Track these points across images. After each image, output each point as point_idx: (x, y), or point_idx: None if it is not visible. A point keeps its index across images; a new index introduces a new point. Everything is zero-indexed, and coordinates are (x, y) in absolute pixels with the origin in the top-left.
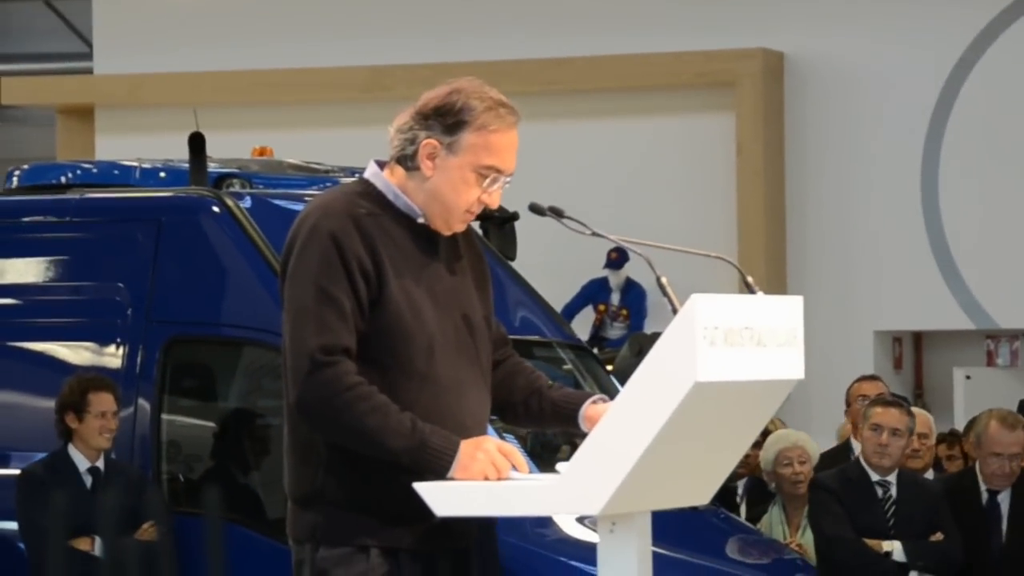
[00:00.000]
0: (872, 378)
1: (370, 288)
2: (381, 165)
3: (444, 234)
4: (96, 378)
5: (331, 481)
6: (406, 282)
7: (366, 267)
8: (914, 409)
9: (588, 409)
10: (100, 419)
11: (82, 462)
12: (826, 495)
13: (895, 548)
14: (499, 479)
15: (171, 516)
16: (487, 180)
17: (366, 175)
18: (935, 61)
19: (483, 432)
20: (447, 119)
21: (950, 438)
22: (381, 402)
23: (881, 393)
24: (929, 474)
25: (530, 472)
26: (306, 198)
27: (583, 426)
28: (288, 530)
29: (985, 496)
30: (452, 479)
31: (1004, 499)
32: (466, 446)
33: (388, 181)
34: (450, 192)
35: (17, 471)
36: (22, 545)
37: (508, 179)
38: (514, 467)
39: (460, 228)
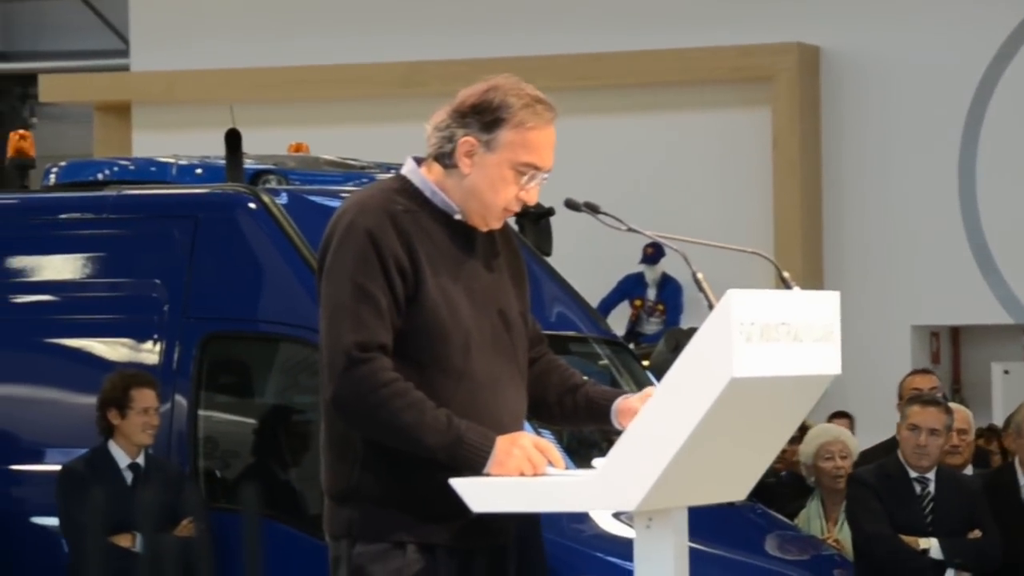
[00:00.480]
0: (925, 372)
1: (407, 285)
2: (418, 162)
3: (481, 231)
4: (138, 374)
5: (368, 477)
6: (443, 279)
7: (403, 264)
8: (952, 405)
9: (620, 403)
10: (143, 415)
11: (122, 458)
12: (864, 490)
13: (932, 545)
14: (535, 475)
15: (208, 512)
16: (525, 177)
17: (403, 171)
18: (972, 55)
19: (520, 428)
20: (485, 117)
21: (988, 433)
22: (417, 398)
23: (935, 389)
24: (968, 470)
25: (566, 468)
26: (342, 194)
27: (616, 422)
28: (325, 526)
29: None
30: (488, 475)
31: None
32: (502, 442)
33: (425, 178)
34: (488, 190)
35: (55, 467)
36: (63, 540)
37: (546, 176)
38: (550, 463)
39: (497, 225)
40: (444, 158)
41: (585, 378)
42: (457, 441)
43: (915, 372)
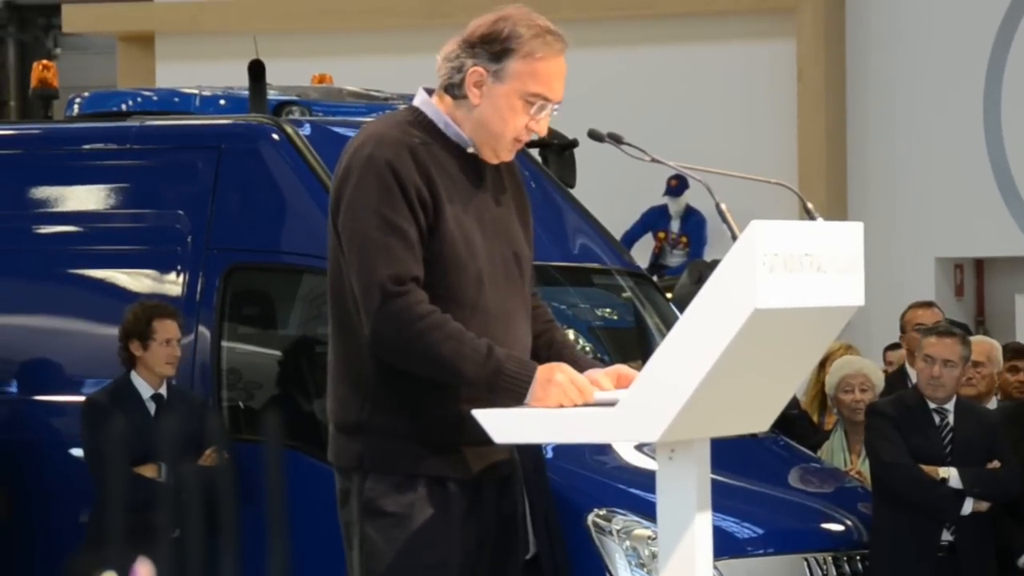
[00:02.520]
0: (927, 304)
1: (427, 217)
2: (430, 92)
3: (492, 163)
4: (160, 305)
5: (379, 410)
6: (458, 211)
7: (423, 195)
8: (977, 337)
9: (586, 374)
10: (165, 347)
11: (145, 389)
12: (883, 421)
13: (951, 475)
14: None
15: (230, 442)
16: (534, 108)
17: (415, 103)
18: None
19: (528, 358)
20: (494, 47)
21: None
22: (455, 329)
23: (938, 321)
24: (992, 403)
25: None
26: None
27: None
28: (332, 459)
29: None
30: (528, 405)
31: None
32: (540, 374)
33: (438, 109)
34: (497, 120)
35: (81, 397)
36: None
37: (556, 107)
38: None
39: (508, 157)
40: (454, 89)
41: (567, 336)
42: (496, 372)
43: (917, 305)
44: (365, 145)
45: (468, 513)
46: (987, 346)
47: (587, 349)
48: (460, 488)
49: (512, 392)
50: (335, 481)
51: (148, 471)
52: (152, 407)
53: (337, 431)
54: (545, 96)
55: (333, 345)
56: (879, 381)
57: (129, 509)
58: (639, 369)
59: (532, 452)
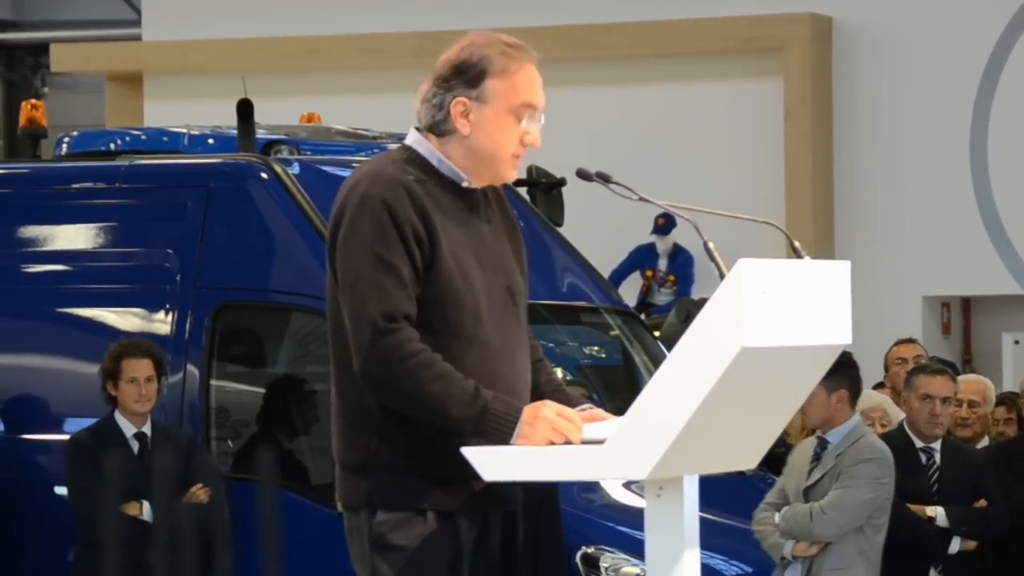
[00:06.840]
0: (910, 341)
1: (423, 253)
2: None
3: (498, 184)
4: (131, 344)
5: (385, 446)
6: (455, 247)
7: (419, 233)
8: (972, 377)
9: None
10: (132, 385)
11: (128, 428)
12: None
13: (938, 514)
14: (565, 443)
15: (222, 479)
16: (524, 120)
17: (408, 142)
18: (985, 24)
19: (528, 394)
20: (468, 74)
21: (1008, 400)
22: (444, 370)
23: (919, 357)
24: (984, 442)
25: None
26: (354, 164)
27: None
28: (339, 497)
29: None
30: (515, 444)
31: None
32: (526, 414)
33: (431, 147)
34: (493, 142)
35: (66, 436)
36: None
37: (543, 116)
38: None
39: (512, 176)
40: (438, 126)
41: (555, 374)
42: (483, 412)
43: (900, 342)
44: (360, 183)
45: (476, 545)
46: (982, 385)
47: (578, 385)
48: (468, 521)
49: (498, 433)
50: (343, 520)
51: (132, 509)
52: (136, 445)
53: (344, 470)
54: (531, 104)
55: (336, 384)
56: (896, 416)
57: (115, 547)
58: (627, 407)
59: (546, 488)
